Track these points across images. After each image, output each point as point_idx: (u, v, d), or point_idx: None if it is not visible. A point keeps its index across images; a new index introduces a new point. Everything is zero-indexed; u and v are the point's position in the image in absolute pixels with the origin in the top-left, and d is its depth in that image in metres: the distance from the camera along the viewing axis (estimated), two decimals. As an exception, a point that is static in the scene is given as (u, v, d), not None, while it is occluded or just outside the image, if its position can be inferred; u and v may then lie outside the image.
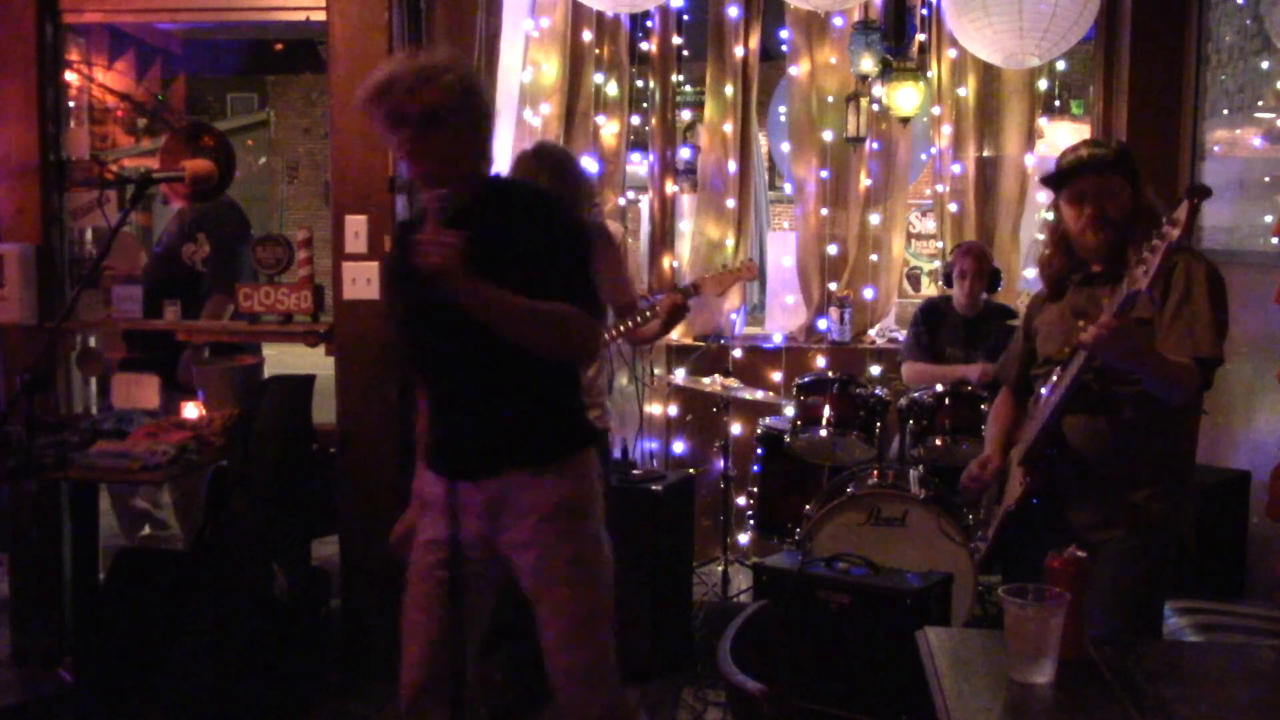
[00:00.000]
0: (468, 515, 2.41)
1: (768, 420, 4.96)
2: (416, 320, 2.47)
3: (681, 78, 5.70)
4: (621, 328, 3.75)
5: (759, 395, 4.91)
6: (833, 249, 5.59)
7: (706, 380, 4.86)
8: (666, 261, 5.65)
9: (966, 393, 4.33)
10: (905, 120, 5.35)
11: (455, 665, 2.40)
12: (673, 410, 5.45)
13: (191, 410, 4.23)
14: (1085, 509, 2.64)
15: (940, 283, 5.13)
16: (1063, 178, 2.69)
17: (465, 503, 2.40)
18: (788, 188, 6.53)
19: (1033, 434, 2.67)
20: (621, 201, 5.73)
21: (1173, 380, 2.51)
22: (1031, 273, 5.22)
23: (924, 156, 6.09)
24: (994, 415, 3.01)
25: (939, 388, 4.41)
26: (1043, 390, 2.69)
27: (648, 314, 3.70)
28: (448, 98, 2.35)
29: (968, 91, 5.50)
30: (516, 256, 2.35)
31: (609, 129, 5.61)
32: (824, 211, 5.58)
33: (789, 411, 4.68)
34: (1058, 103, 5.69)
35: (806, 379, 4.66)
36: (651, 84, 5.66)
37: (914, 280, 7.25)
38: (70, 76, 4.55)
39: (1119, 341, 2.36)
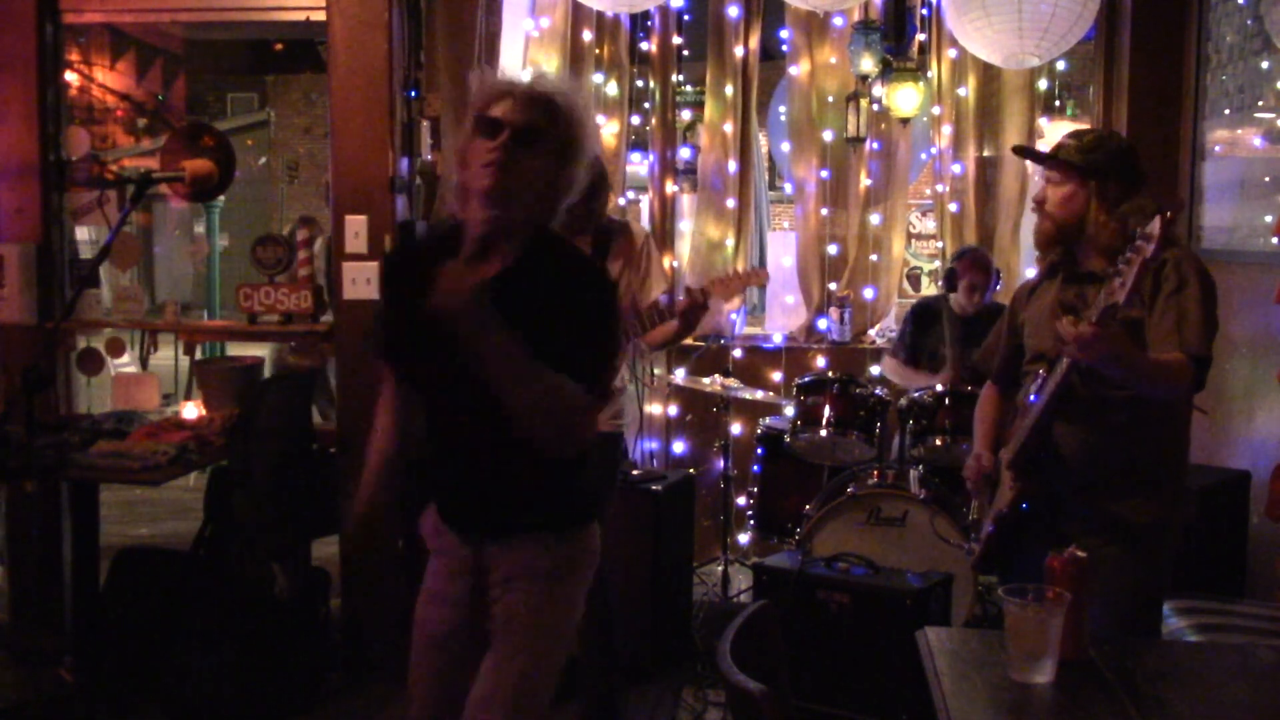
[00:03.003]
0: (459, 571, 2.35)
1: (768, 420, 4.96)
2: (422, 351, 2.25)
3: (681, 78, 5.70)
4: (633, 332, 3.60)
5: (759, 395, 4.91)
6: (833, 249, 5.59)
7: (706, 380, 4.86)
8: (667, 262, 5.65)
9: (967, 393, 4.32)
10: (905, 120, 5.35)
11: None
12: (673, 410, 5.45)
13: (191, 410, 4.23)
14: (1076, 517, 2.63)
15: (941, 285, 5.14)
16: (1043, 158, 2.76)
17: (456, 556, 2.35)
18: (788, 188, 6.54)
19: (1021, 437, 2.67)
20: (621, 201, 5.73)
21: (1161, 379, 2.50)
22: (1033, 272, 5.23)
23: (924, 156, 6.09)
24: (980, 412, 2.99)
25: (939, 387, 4.41)
26: (1032, 388, 2.68)
27: (664, 314, 3.49)
28: (556, 124, 2.17)
29: (968, 91, 5.50)
30: (540, 320, 2.13)
31: (609, 129, 5.61)
32: (824, 211, 5.58)
33: (789, 411, 4.68)
34: (1058, 103, 5.69)
35: (806, 379, 4.66)
36: (651, 84, 5.66)
37: (914, 280, 7.26)
38: (70, 76, 4.55)
39: (1099, 347, 2.35)
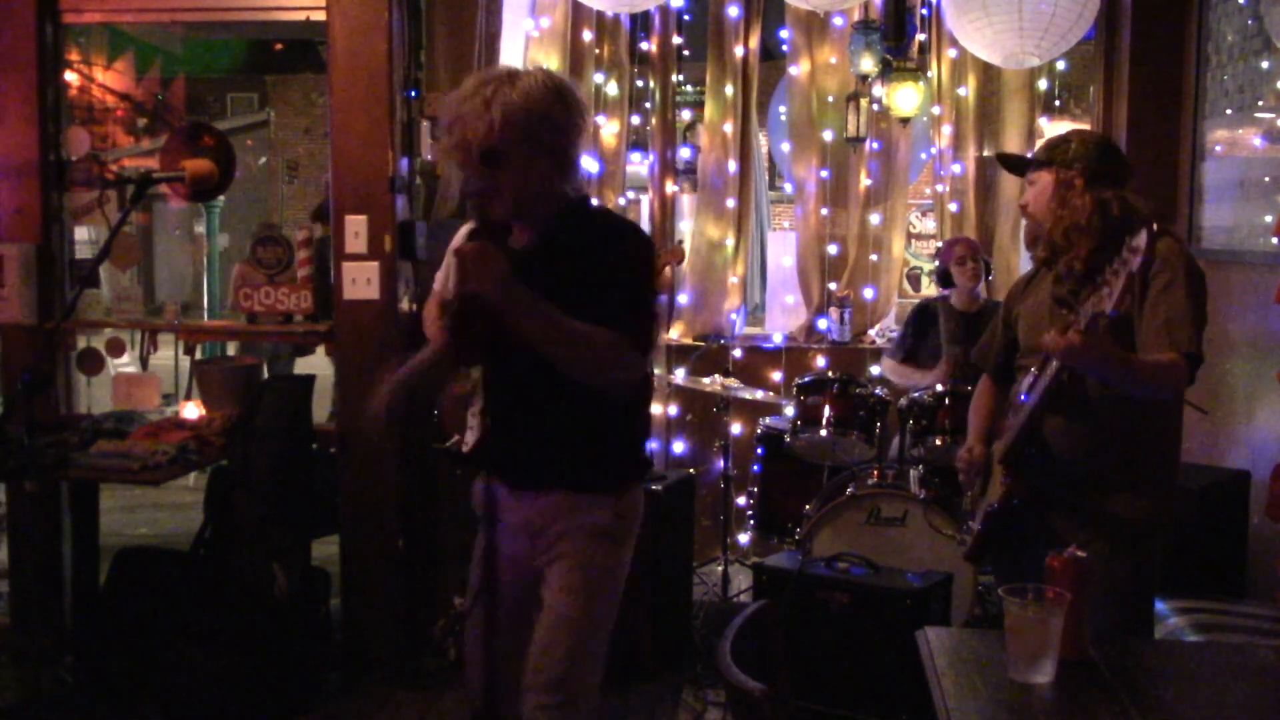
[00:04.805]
0: (511, 531, 2.45)
1: (768, 420, 4.96)
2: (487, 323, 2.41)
3: (681, 78, 5.71)
4: None
5: (759, 395, 4.91)
6: (833, 249, 5.59)
7: (706, 380, 4.86)
8: (666, 261, 5.65)
9: (966, 392, 4.31)
10: (905, 120, 5.35)
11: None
12: (673, 410, 5.45)
13: (191, 410, 4.23)
14: (1066, 514, 2.63)
15: (936, 282, 5.15)
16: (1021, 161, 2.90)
17: (510, 517, 2.45)
18: (788, 188, 6.54)
19: (1013, 434, 2.67)
20: (622, 201, 5.73)
21: (1153, 380, 2.52)
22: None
23: (924, 156, 6.09)
24: (975, 405, 3.00)
25: (939, 387, 4.41)
26: (1024, 385, 2.68)
27: None
28: (506, 133, 2.25)
29: (968, 91, 5.50)
30: (576, 285, 2.31)
31: (609, 129, 5.61)
32: (824, 211, 5.58)
33: (789, 411, 4.68)
34: (1058, 103, 5.69)
35: (806, 379, 4.66)
36: (651, 84, 5.66)
37: (914, 280, 7.26)
38: (70, 76, 4.55)
39: (1085, 354, 2.38)
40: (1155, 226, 2.25)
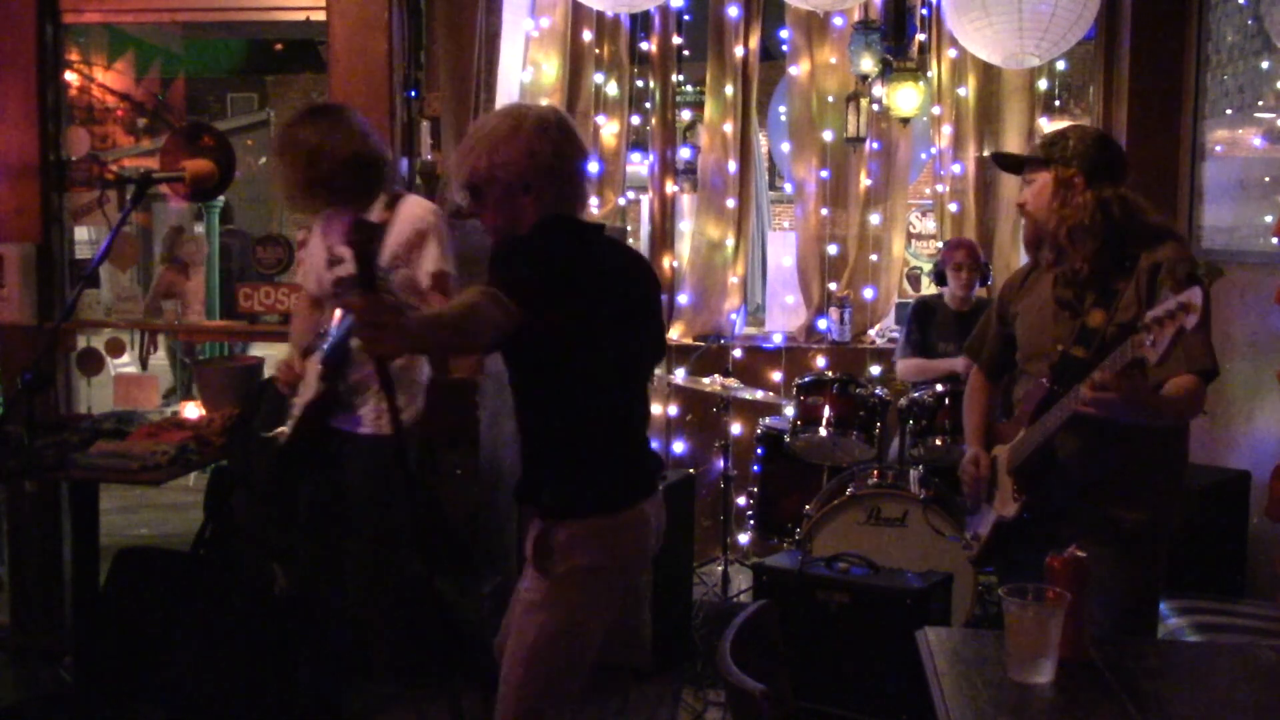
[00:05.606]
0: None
1: (768, 420, 4.96)
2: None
3: (681, 78, 5.70)
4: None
5: (759, 395, 4.91)
6: (833, 249, 5.59)
7: (706, 380, 4.86)
8: (666, 261, 5.65)
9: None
10: (905, 120, 5.34)
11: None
12: (673, 410, 5.45)
13: (191, 410, 4.23)
14: (1073, 522, 2.62)
15: (933, 280, 5.15)
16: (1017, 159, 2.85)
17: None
18: (788, 188, 6.53)
19: (1025, 453, 2.66)
20: (622, 201, 5.73)
21: (1176, 412, 2.50)
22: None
23: (924, 156, 6.09)
24: (969, 405, 2.97)
25: (939, 387, 4.41)
26: (1030, 395, 2.67)
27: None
28: (478, 174, 2.42)
29: (968, 91, 5.50)
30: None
31: (609, 129, 5.61)
32: (824, 211, 5.58)
33: (789, 411, 4.68)
34: (1058, 103, 5.69)
35: (806, 379, 4.66)
36: (651, 84, 5.66)
37: (914, 280, 7.25)
38: (70, 76, 4.55)
39: (1120, 401, 2.35)
40: (1209, 282, 2.23)
